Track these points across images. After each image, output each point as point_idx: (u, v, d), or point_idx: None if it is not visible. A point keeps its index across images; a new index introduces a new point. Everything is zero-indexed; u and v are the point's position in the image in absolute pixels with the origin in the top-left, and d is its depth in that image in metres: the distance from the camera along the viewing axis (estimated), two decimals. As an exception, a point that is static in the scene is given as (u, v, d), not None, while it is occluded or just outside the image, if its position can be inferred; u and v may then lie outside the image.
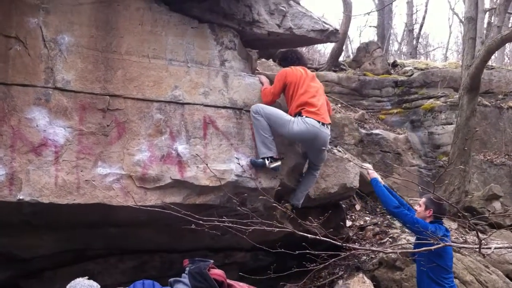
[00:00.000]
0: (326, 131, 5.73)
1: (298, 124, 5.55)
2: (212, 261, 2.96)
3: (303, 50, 17.90)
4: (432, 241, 4.23)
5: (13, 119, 4.74)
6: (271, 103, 5.81)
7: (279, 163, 5.63)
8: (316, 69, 15.24)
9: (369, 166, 5.94)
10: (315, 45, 16.60)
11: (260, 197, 4.76)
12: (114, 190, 5.00)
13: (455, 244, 4.22)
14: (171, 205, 4.56)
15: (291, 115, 5.67)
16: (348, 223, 8.09)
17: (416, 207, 5.37)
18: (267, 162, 5.54)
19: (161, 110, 5.40)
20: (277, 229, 3.42)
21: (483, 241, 6.86)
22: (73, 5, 5.18)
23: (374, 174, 5.59)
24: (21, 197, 4.64)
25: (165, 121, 5.39)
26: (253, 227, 3.54)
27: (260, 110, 5.64)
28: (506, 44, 21.58)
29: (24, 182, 4.67)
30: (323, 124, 5.66)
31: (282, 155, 5.82)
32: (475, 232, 8.58)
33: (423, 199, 5.33)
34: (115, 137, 5.13)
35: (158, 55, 5.52)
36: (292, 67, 5.90)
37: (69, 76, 5.03)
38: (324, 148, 5.83)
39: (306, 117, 5.57)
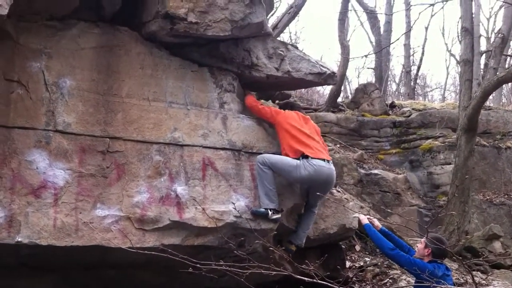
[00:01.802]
0: (332, 167, 5.83)
1: (306, 168, 5.59)
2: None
3: (302, 91, 18.13)
4: (432, 283, 4.17)
5: (14, 162, 4.79)
6: (264, 117, 6.06)
7: (279, 215, 5.69)
8: (315, 110, 15.41)
9: (360, 215, 5.89)
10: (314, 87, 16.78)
11: (257, 241, 4.76)
12: (112, 232, 5.01)
13: (450, 287, 4.17)
14: (170, 247, 4.55)
15: (287, 155, 5.72)
16: (348, 264, 8.03)
17: (417, 245, 5.33)
18: (269, 212, 5.59)
19: (161, 152, 5.45)
20: (275, 272, 3.42)
21: (483, 281, 6.78)
22: (75, 50, 5.30)
23: (365, 220, 5.56)
24: (19, 239, 4.64)
25: (164, 162, 5.43)
26: (250, 271, 3.53)
27: (266, 161, 5.68)
28: (503, 85, 21.85)
29: (23, 224, 4.68)
30: (328, 161, 5.76)
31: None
32: (475, 272, 8.52)
33: (424, 238, 5.29)
34: (114, 179, 5.17)
35: (158, 97, 5.61)
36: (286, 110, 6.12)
37: (70, 119, 5.10)
38: (331, 185, 5.94)
39: (311, 158, 5.63)
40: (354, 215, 5.77)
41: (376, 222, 5.62)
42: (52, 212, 4.82)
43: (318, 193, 5.61)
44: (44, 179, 4.86)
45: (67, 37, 5.29)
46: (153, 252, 4.32)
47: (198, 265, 3.69)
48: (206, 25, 5.58)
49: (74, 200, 4.93)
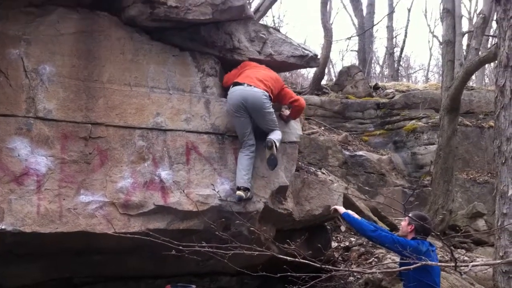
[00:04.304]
0: (255, 90, 5.75)
1: (229, 95, 5.81)
2: (194, 286, 2.98)
3: (286, 74, 18.12)
4: (413, 258, 4.22)
5: (-5, 149, 4.76)
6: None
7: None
8: (299, 93, 15.39)
9: (336, 206, 5.87)
10: (298, 70, 16.78)
11: (238, 221, 4.79)
12: (97, 217, 5.01)
13: (431, 262, 4.24)
14: (155, 231, 4.57)
15: None
16: (334, 244, 8.12)
17: (401, 223, 5.38)
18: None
19: (144, 137, 5.45)
20: (257, 253, 3.46)
21: (465, 257, 6.88)
22: (54, 36, 5.25)
23: (342, 209, 5.58)
24: (3, 227, 4.64)
25: (147, 147, 5.43)
26: (232, 252, 3.57)
27: None
28: (486, 65, 21.99)
29: (6, 212, 4.67)
30: (249, 85, 5.76)
31: (265, 178, 5.89)
32: (459, 250, 8.67)
33: (408, 216, 5.33)
34: (97, 165, 5.17)
35: (140, 83, 5.59)
36: None
37: (50, 106, 5.07)
38: (260, 108, 5.79)
39: (233, 86, 5.83)
40: (331, 208, 5.73)
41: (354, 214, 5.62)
42: (36, 199, 4.81)
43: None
44: (26, 166, 4.84)
45: (46, 23, 5.24)
46: (137, 236, 4.34)
47: (181, 247, 3.72)
48: (187, 8, 5.56)
49: (57, 186, 4.93)
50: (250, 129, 5.84)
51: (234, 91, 5.77)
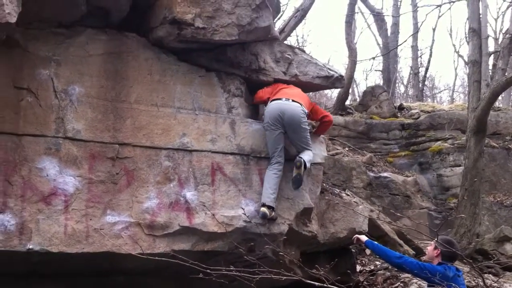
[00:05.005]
0: (294, 104, 5.85)
1: (266, 109, 5.94)
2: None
3: (310, 95, 18.11)
4: (444, 286, 4.13)
5: (24, 169, 4.81)
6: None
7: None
8: (324, 113, 15.33)
9: (358, 235, 5.76)
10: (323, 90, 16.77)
11: (266, 246, 4.75)
12: (122, 238, 5.02)
13: (462, 288, 4.13)
14: (180, 252, 4.55)
15: None
16: (358, 268, 7.99)
17: (427, 248, 5.29)
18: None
19: (170, 157, 5.47)
20: (285, 277, 3.41)
21: (494, 283, 6.71)
22: (83, 57, 5.32)
23: (364, 238, 5.50)
24: (30, 247, 4.66)
25: (173, 168, 5.44)
26: (260, 276, 3.52)
27: None
28: (512, 86, 21.71)
29: (34, 232, 4.70)
30: (287, 99, 5.87)
31: (290, 200, 5.86)
32: (486, 275, 8.46)
33: (434, 240, 5.23)
34: (124, 185, 5.19)
35: (167, 103, 5.62)
36: None
37: (79, 126, 5.12)
38: (297, 123, 5.82)
39: (272, 100, 5.95)
40: (353, 237, 5.64)
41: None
42: (63, 219, 4.84)
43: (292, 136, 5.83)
44: (54, 186, 4.88)
45: (75, 44, 5.31)
46: (163, 258, 4.33)
47: (208, 271, 3.69)
48: (213, 29, 5.60)
49: (84, 206, 4.95)
50: (282, 146, 5.86)
51: (272, 105, 5.88)
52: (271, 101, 5.97)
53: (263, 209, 5.57)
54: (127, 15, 5.64)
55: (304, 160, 5.72)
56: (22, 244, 4.65)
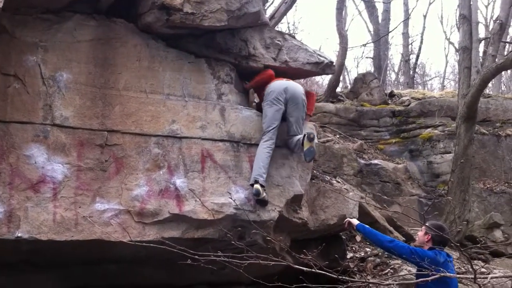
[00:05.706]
0: (296, 83, 6.13)
1: (270, 87, 6.04)
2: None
3: (301, 81, 18.08)
4: (431, 270, 4.13)
5: (12, 157, 4.77)
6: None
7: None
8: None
9: (349, 219, 5.75)
10: (313, 77, 16.74)
11: (254, 231, 4.75)
12: (112, 225, 5.00)
13: (449, 274, 4.15)
14: (170, 240, 4.54)
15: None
16: (349, 254, 8.03)
17: (417, 233, 5.30)
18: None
19: (159, 144, 5.44)
20: (273, 263, 3.41)
21: (483, 269, 6.76)
22: (71, 43, 5.26)
23: (356, 221, 5.50)
24: (19, 235, 4.63)
25: (163, 155, 5.42)
26: (248, 261, 3.52)
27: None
28: (503, 72, 21.80)
29: (23, 220, 4.67)
30: (288, 80, 6.11)
31: (280, 187, 5.84)
32: (476, 261, 8.54)
33: (425, 226, 5.24)
34: (113, 172, 5.16)
35: (156, 90, 5.58)
36: None
37: (67, 113, 5.08)
38: (299, 98, 5.99)
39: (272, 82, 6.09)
40: (345, 221, 5.63)
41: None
42: (52, 206, 4.81)
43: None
44: (42, 174, 4.85)
45: (63, 30, 5.26)
46: (152, 245, 4.32)
47: (196, 257, 3.68)
48: (202, 15, 5.56)
49: (73, 194, 4.92)
50: (278, 124, 5.87)
51: (276, 83, 6.06)
52: (272, 83, 6.09)
53: (257, 186, 5.49)
54: (116, 0, 5.57)
55: (314, 133, 5.89)
56: (11, 232, 4.62)
